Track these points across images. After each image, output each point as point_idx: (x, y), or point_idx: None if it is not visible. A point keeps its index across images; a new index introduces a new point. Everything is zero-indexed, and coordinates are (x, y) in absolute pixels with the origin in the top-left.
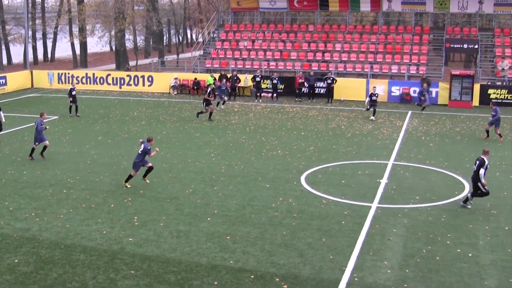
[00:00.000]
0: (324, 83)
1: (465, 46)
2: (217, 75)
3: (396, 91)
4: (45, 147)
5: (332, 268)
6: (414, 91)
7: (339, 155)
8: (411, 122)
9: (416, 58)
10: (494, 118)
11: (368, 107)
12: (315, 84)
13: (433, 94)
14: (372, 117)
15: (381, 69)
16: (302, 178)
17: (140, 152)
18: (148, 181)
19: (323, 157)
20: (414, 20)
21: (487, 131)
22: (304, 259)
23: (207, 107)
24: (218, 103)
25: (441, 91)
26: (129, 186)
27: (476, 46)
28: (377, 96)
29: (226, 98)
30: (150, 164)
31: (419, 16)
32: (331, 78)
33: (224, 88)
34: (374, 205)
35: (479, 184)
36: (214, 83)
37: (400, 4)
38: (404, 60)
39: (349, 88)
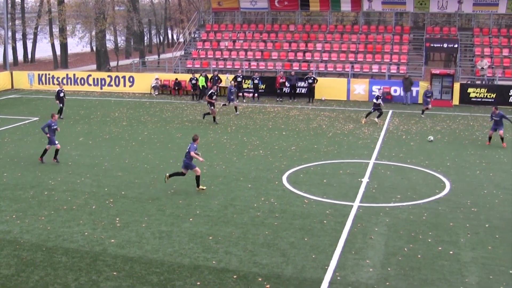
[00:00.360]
0: (305, 82)
1: (445, 45)
2: (197, 75)
3: (377, 90)
4: (57, 151)
5: (314, 267)
6: (395, 90)
7: (320, 155)
8: (392, 121)
9: (397, 57)
10: (499, 122)
11: (372, 110)
12: (296, 84)
13: (414, 93)
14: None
15: (361, 68)
16: (284, 177)
17: (188, 151)
18: (204, 188)
19: (305, 156)
20: (394, 19)
21: (502, 138)
22: (286, 259)
23: (212, 108)
24: (235, 108)
25: (421, 90)
26: (204, 187)
27: (456, 46)
28: (380, 99)
29: (236, 102)
30: (198, 172)
31: (399, 15)
32: (312, 78)
33: (233, 90)
34: (356, 204)
35: None
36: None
37: (380, 4)
38: (384, 60)
39: (330, 88)
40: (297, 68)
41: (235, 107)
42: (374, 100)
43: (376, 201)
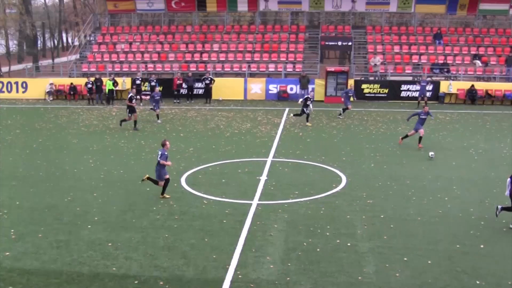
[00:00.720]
0: (202, 83)
1: (339, 43)
2: (92, 79)
3: (274, 89)
4: None
5: (215, 267)
6: (291, 88)
7: (218, 155)
8: (288, 118)
9: (293, 56)
10: (424, 121)
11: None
12: (194, 85)
13: (310, 91)
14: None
15: (258, 68)
16: (183, 179)
17: (158, 159)
18: (168, 196)
19: (203, 157)
20: (290, 19)
21: (421, 138)
22: (187, 261)
23: (130, 115)
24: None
25: (317, 88)
26: (168, 196)
27: (350, 43)
28: (310, 101)
29: (158, 110)
30: (167, 176)
31: (295, 15)
32: (209, 79)
33: (157, 97)
34: (255, 202)
35: None
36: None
37: (276, 3)
38: (281, 59)
39: (227, 88)
40: (194, 69)
41: (157, 115)
42: (302, 100)
43: (275, 198)
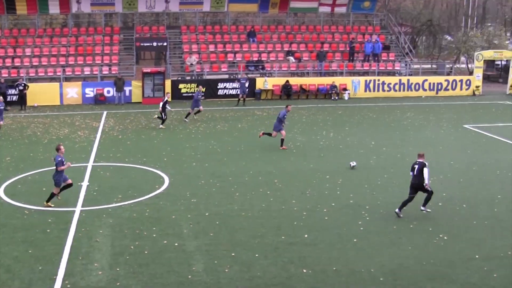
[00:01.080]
0: (16, 90)
1: (155, 44)
2: None
3: (90, 92)
4: None
5: (42, 279)
6: (108, 91)
7: (37, 163)
8: (107, 122)
9: (108, 58)
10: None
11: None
12: (6, 91)
13: (127, 93)
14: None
15: (73, 71)
16: (1, 190)
17: (56, 165)
18: (59, 198)
19: (21, 166)
20: (104, 20)
21: (283, 140)
22: (12, 274)
23: None
24: None
25: (134, 89)
26: (52, 205)
27: (165, 44)
28: (167, 104)
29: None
30: (69, 181)
31: (108, 16)
32: (22, 84)
33: (2, 107)
34: (78, 209)
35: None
36: None
37: (89, 5)
38: (96, 61)
39: (42, 93)
40: (6, 75)
41: None
42: (166, 106)
43: (98, 204)
